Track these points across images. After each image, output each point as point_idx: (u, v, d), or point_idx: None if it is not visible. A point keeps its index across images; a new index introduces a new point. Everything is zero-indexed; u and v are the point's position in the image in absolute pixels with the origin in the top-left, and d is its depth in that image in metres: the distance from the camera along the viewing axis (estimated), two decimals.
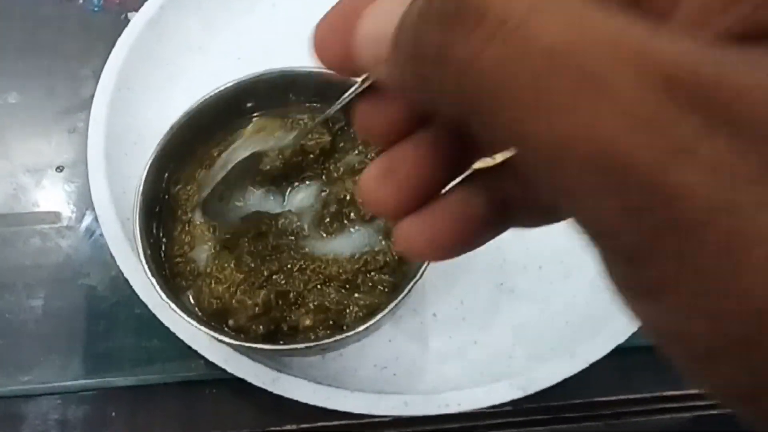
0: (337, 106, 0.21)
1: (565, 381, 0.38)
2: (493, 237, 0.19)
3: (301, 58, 0.51)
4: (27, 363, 0.41)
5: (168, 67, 0.50)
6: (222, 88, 0.39)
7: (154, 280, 0.34)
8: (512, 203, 0.18)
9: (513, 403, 0.38)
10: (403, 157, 0.18)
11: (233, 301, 0.35)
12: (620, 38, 0.11)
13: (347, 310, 0.35)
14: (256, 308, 0.34)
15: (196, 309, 0.36)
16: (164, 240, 0.38)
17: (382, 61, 0.15)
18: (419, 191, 0.18)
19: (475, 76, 0.12)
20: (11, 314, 0.43)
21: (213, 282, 0.36)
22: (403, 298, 0.33)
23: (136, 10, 0.51)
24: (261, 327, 0.35)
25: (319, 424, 0.39)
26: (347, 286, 0.36)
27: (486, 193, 0.18)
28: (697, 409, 0.43)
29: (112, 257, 0.41)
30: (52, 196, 0.47)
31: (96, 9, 0.56)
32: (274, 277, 0.36)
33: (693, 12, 0.12)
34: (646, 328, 0.13)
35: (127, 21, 0.53)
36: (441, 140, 0.18)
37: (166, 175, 0.39)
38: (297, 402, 0.37)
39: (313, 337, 0.35)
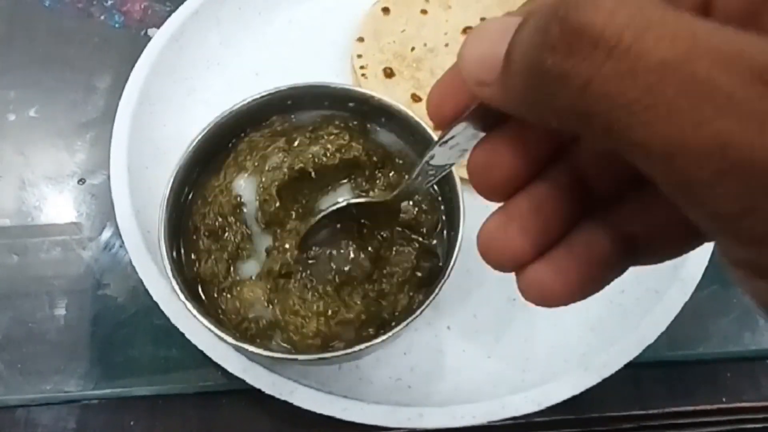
0: (452, 158, 0.22)
1: (579, 395, 0.38)
2: (616, 277, 0.20)
3: (317, 71, 0.52)
4: (47, 371, 0.42)
5: (187, 82, 0.51)
6: (241, 103, 0.40)
7: (177, 287, 0.35)
8: (635, 240, 0.19)
9: (527, 416, 0.38)
10: (523, 206, 0.19)
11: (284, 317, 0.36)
12: (720, 45, 0.13)
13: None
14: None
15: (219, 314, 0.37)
16: (183, 252, 0.39)
17: (487, 83, 0.17)
18: (542, 237, 0.19)
19: (595, 91, 0.14)
20: (33, 323, 0.44)
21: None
22: (419, 314, 0.34)
23: (157, 27, 0.52)
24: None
25: None
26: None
27: (609, 232, 0.19)
28: (707, 425, 0.43)
29: (132, 268, 0.42)
30: (73, 208, 0.48)
31: (117, 25, 0.57)
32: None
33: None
34: (763, 307, 0.15)
35: (147, 37, 0.54)
36: (559, 187, 0.19)
37: (186, 189, 0.40)
38: (313, 413, 0.37)
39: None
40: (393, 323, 0.35)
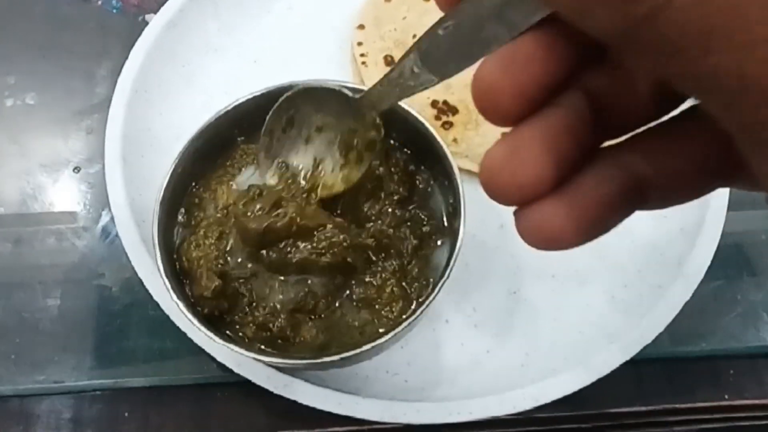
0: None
1: (578, 391, 0.37)
2: (622, 219, 0.18)
3: (317, 59, 0.52)
4: (41, 362, 0.42)
5: (185, 70, 0.50)
6: (243, 99, 0.38)
7: (168, 284, 0.34)
8: (646, 182, 0.18)
9: (525, 412, 0.37)
10: (535, 132, 0.17)
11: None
12: None
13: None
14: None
15: (239, 337, 0.35)
16: (179, 245, 0.38)
17: None
18: (555, 168, 0.17)
19: (663, 16, 0.13)
20: (27, 313, 0.43)
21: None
22: (421, 313, 0.33)
23: (154, 12, 0.51)
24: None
25: (330, 429, 0.39)
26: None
27: (618, 173, 0.18)
28: (709, 422, 0.42)
29: (128, 258, 0.41)
30: (68, 197, 0.48)
31: (114, 10, 0.56)
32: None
33: None
34: None
35: (144, 23, 0.54)
36: (573, 115, 0.17)
37: (189, 183, 0.39)
38: (308, 407, 0.37)
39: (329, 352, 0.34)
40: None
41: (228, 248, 0.36)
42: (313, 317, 0.35)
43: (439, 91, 0.48)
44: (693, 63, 0.13)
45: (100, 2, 0.57)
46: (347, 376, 0.39)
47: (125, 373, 0.42)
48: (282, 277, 0.35)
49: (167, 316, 0.39)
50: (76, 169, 0.49)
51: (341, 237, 0.34)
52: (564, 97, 0.18)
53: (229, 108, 0.38)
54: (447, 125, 0.47)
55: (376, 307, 0.35)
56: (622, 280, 0.43)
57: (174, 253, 0.37)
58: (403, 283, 0.36)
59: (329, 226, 0.34)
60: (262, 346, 0.34)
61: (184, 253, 0.36)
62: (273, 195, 0.35)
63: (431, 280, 0.36)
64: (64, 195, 0.48)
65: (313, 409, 0.37)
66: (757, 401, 0.42)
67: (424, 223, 0.38)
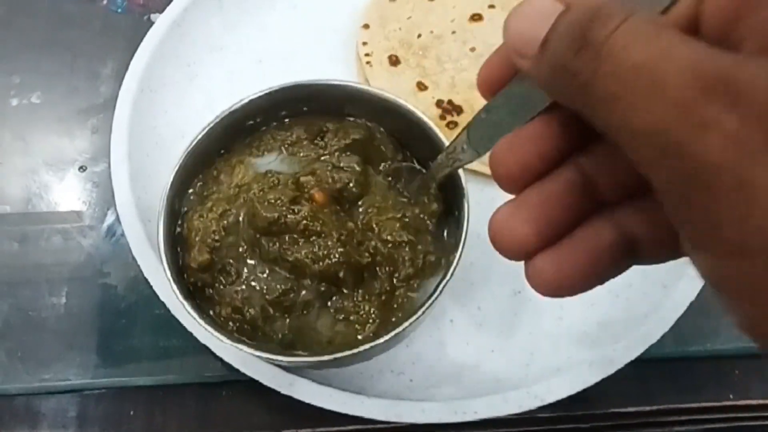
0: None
1: (583, 391, 0.37)
2: (618, 273, 0.21)
3: (321, 58, 0.52)
4: (47, 360, 0.42)
5: (189, 69, 0.51)
6: (247, 99, 0.39)
7: (175, 286, 0.34)
8: (637, 240, 0.21)
9: (530, 412, 0.37)
10: (533, 198, 0.21)
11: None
12: (685, 55, 0.16)
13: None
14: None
15: (214, 313, 0.36)
16: (185, 212, 0.38)
17: (526, 56, 0.20)
18: (548, 228, 0.21)
19: (592, 86, 0.17)
20: (33, 311, 0.44)
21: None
22: (423, 312, 0.33)
23: (159, 12, 0.51)
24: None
25: (335, 428, 0.39)
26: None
27: (613, 231, 0.21)
28: (714, 422, 0.42)
29: (133, 257, 0.41)
30: (74, 196, 0.48)
31: (119, 10, 0.56)
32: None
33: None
34: (704, 278, 0.18)
35: (149, 22, 0.54)
36: (568, 184, 0.21)
37: (182, 215, 0.38)
38: (313, 406, 0.37)
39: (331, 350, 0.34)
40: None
41: (227, 225, 0.36)
42: (287, 315, 0.35)
43: (444, 91, 0.48)
44: (608, 119, 0.17)
45: (105, 2, 0.57)
46: (352, 375, 0.39)
47: (130, 371, 0.42)
48: (269, 270, 0.35)
49: (172, 315, 0.39)
50: (82, 168, 0.49)
51: (339, 251, 0.34)
52: (561, 169, 0.21)
53: (273, 89, 0.39)
54: (452, 125, 0.47)
55: (351, 318, 0.35)
56: (626, 280, 0.42)
57: (179, 218, 0.37)
58: (383, 306, 0.35)
59: (334, 237, 0.35)
60: (233, 329, 0.35)
61: (187, 220, 0.37)
62: (295, 189, 0.36)
63: (417, 306, 0.35)
64: (70, 194, 0.48)
65: (318, 408, 0.37)
66: (762, 401, 0.42)
67: (428, 246, 0.37)
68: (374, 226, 0.36)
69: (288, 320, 0.35)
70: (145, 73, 0.48)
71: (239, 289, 0.35)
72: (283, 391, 0.37)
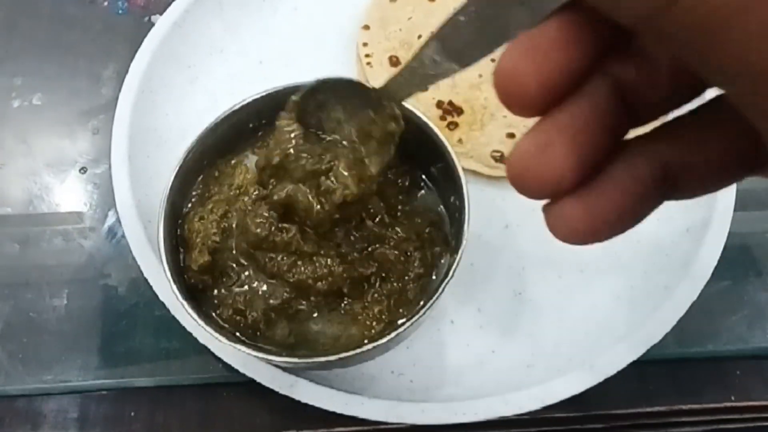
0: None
1: (584, 392, 0.37)
2: (653, 209, 0.18)
3: (322, 59, 0.52)
4: (48, 361, 0.42)
5: (190, 70, 0.51)
6: (248, 100, 0.39)
7: (175, 286, 0.34)
8: (673, 171, 0.18)
9: (531, 413, 0.37)
10: (565, 123, 0.17)
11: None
12: None
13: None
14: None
15: (216, 314, 0.36)
16: (186, 212, 0.38)
17: None
18: (587, 159, 0.17)
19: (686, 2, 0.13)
20: (34, 313, 0.44)
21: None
22: (424, 313, 0.33)
23: (160, 13, 0.51)
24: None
25: (336, 429, 0.39)
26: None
27: (647, 163, 0.18)
28: (716, 423, 0.42)
29: (134, 258, 0.41)
30: (75, 197, 0.48)
31: (120, 12, 0.57)
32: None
33: None
34: None
35: (150, 24, 0.54)
36: (602, 103, 0.17)
37: (183, 215, 0.38)
38: (313, 407, 0.37)
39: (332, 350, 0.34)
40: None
41: (228, 227, 0.36)
42: (289, 320, 0.35)
43: (444, 92, 0.48)
44: (710, 52, 0.13)
45: (106, 3, 0.57)
46: (352, 376, 0.39)
47: (131, 372, 0.42)
48: (269, 281, 0.35)
49: (173, 316, 0.39)
50: (83, 170, 0.49)
51: (341, 268, 0.34)
52: (589, 85, 0.17)
53: (275, 90, 0.38)
54: (452, 125, 0.47)
55: (359, 319, 0.35)
56: (628, 281, 0.43)
57: (180, 218, 0.37)
58: (393, 308, 0.35)
59: (332, 253, 0.34)
60: (236, 332, 0.35)
61: (187, 221, 0.37)
62: (284, 202, 0.34)
63: (422, 302, 0.35)
64: (71, 195, 0.48)
65: (318, 409, 0.37)
66: (763, 402, 0.42)
67: (434, 241, 0.37)
68: (379, 231, 0.36)
69: (291, 324, 0.35)
70: (146, 75, 0.48)
71: (241, 291, 0.35)
72: (284, 392, 0.37)
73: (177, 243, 0.37)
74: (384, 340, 0.32)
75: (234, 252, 0.36)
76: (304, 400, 0.37)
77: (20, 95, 0.53)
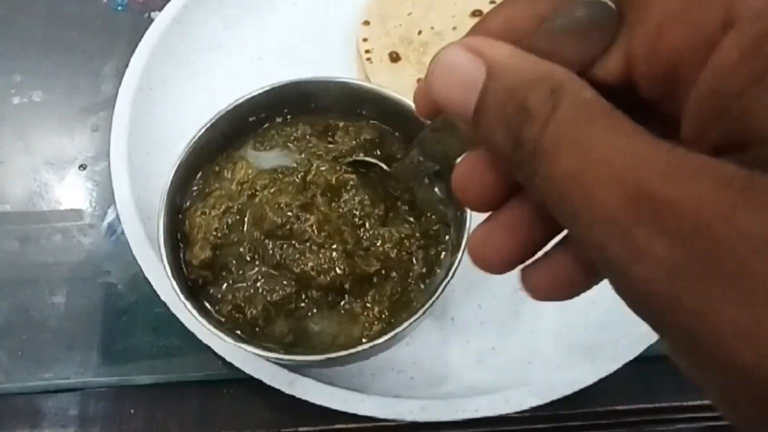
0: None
1: (584, 389, 0.37)
2: (589, 288, 0.21)
3: (322, 55, 0.51)
4: (48, 359, 0.42)
5: (189, 67, 0.50)
6: (248, 96, 0.39)
7: (175, 283, 0.34)
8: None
9: (531, 410, 0.37)
10: (504, 219, 0.21)
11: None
12: (608, 160, 0.15)
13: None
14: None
15: (215, 310, 0.36)
16: (187, 208, 0.38)
17: (458, 116, 0.19)
18: (524, 245, 0.21)
19: (533, 184, 0.17)
20: (34, 310, 0.44)
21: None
22: (424, 312, 0.33)
23: (159, 10, 0.51)
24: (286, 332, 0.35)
25: (336, 426, 0.39)
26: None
27: (575, 253, 0.21)
28: (716, 420, 0.42)
29: (133, 255, 0.41)
30: (74, 194, 0.48)
31: (119, 8, 0.56)
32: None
33: (689, 131, 0.16)
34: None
35: (150, 20, 0.53)
36: (526, 210, 0.20)
37: (183, 210, 0.38)
38: (314, 404, 0.37)
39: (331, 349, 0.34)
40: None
41: (230, 223, 0.36)
42: (289, 317, 0.35)
43: None
44: (555, 215, 0.16)
45: (105, 0, 0.57)
46: (353, 373, 0.39)
47: (131, 370, 0.42)
48: (272, 273, 0.35)
49: (173, 314, 0.39)
50: (82, 167, 0.49)
51: (344, 264, 0.34)
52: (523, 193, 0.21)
53: (276, 85, 0.39)
54: None
55: (359, 319, 0.35)
56: None
57: (181, 214, 0.37)
58: (393, 307, 0.35)
59: (339, 249, 0.34)
60: (236, 330, 0.35)
61: (188, 217, 0.37)
62: (305, 194, 0.36)
63: (419, 304, 0.35)
64: (70, 192, 0.48)
65: (319, 406, 0.37)
66: None
67: (439, 239, 0.37)
68: (384, 231, 0.36)
69: (290, 322, 0.35)
70: (145, 72, 0.47)
71: (241, 287, 0.35)
72: (285, 390, 0.37)
73: (178, 239, 0.37)
74: (382, 339, 0.32)
75: (238, 245, 0.36)
76: (304, 397, 0.37)
77: (20, 92, 0.52)
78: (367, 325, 0.35)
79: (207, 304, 0.36)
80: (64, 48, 0.54)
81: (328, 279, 0.34)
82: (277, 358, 0.35)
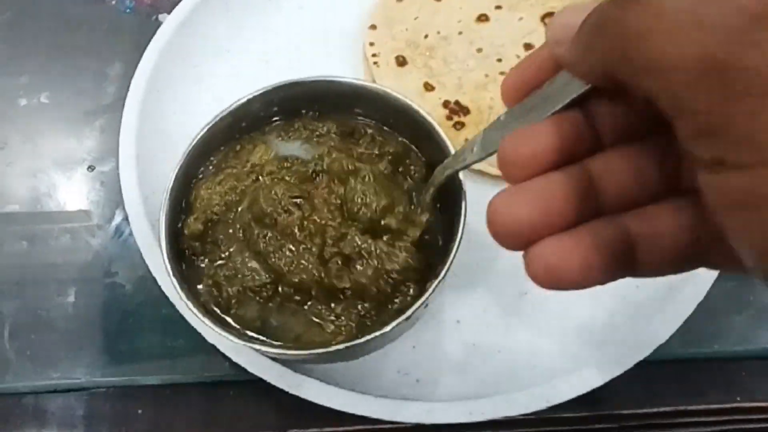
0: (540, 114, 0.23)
1: (590, 392, 0.37)
2: (609, 279, 0.21)
3: (328, 59, 0.52)
4: (55, 359, 0.42)
5: (196, 70, 0.51)
6: (251, 95, 0.39)
7: (175, 281, 0.34)
8: (638, 246, 0.21)
9: (536, 413, 0.37)
10: (536, 184, 0.21)
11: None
12: None
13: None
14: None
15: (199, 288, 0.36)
16: (198, 180, 0.39)
17: (563, 42, 0.21)
18: (549, 215, 0.20)
19: (625, 22, 0.18)
20: (42, 310, 0.44)
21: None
22: (419, 308, 0.33)
23: (167, 12, 0.51)
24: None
25: (341, 428, 0.39)
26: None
27: (616, 230, 0.21)
28: (721, 424, 0.42)
29: (141, 257, 0.41)
30: (82, 195, 0.48)
31: (127, 10, 0.57)
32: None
33: None
34: (715, 199, 0.17)
35: (157, 22, 0.54)
36: (577, 178, 0.21)
37: (194, 181, 0.39)
38: (319, 405, 0.37)
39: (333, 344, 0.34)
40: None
41: (230, 201, 0.37)
42: (262, 303, 0.35)
43: (451, 91, 0.48)
44: (642, 57, 0.17)
45: (113, 2, 0.57)
46: (358, 375, 0.40)
47: (138, 370, 0.42)
48: (253, 260, 0.36)
49: (180, 315, 0.39)
50: (90, 168, 0.49)
51: (315, 270, 0.34)
52: (568, 167, 0.22)
53: (237, 103, 0.39)
54: (459, 125, 0.47)
55: (324, 325, 0.35)
56: (633, 281, 0.42)
57: (192, 182, 0.38)
58: (361, 323, 0.35)
59: (316, 253, 0.35)
60: (211, 305, 0.35)
61: (197, 187, 0.38)
62: (303, 189, 0.36)
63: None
64: (78, 193, 0.48)
65: (324, 407, 0.37)
66: None
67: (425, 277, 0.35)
68: (371, 244, 0.35)
69: (260, 310, 0.35)
70: (153, 74, 0.48)
71: (223, 265, 0.36)
72: (291, 391, 0.37)
73: (182, 206, 0.38)
74: (380, 332, 0.32)
75: (232, 225, 0.37)
76: (310, 399, 0.37)
77: (27, 94, 0.53)
78: (330, 333, 0.35)
79: (195, 282, 0.36)
80: (72, 50, 0.55)
81: (296, 280, 0.35)
82: (272, 353, 0.35)
